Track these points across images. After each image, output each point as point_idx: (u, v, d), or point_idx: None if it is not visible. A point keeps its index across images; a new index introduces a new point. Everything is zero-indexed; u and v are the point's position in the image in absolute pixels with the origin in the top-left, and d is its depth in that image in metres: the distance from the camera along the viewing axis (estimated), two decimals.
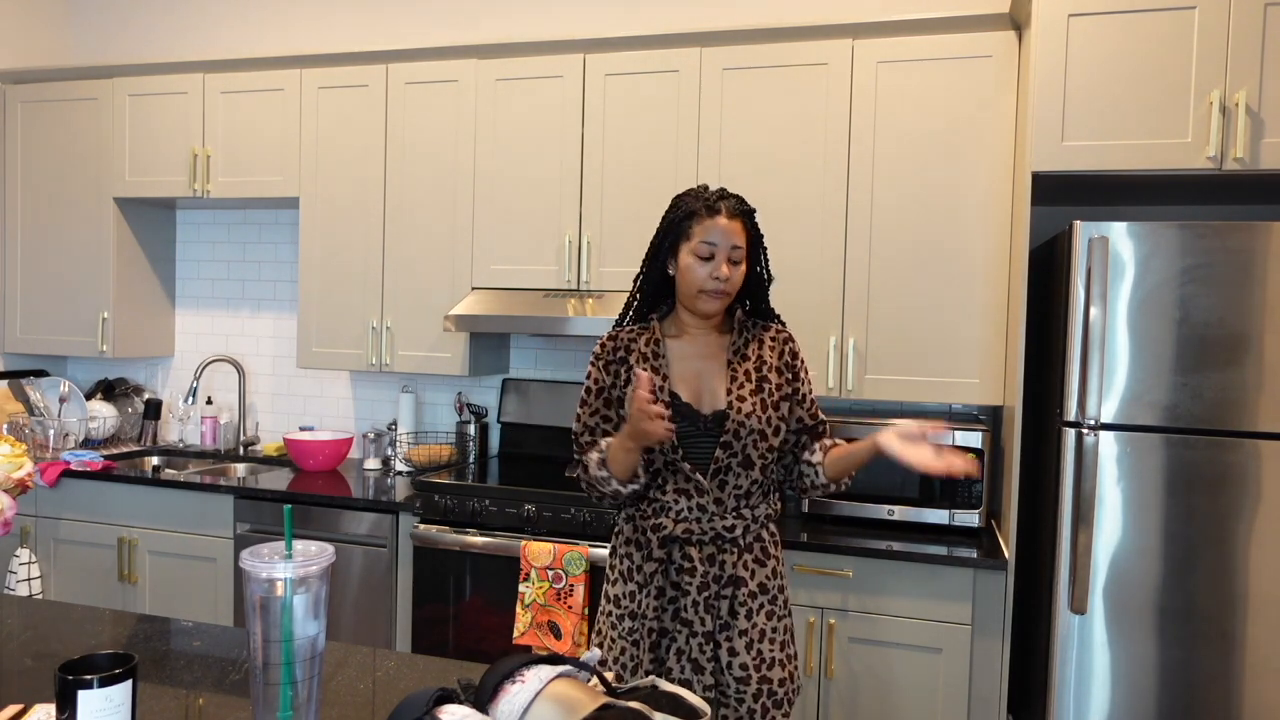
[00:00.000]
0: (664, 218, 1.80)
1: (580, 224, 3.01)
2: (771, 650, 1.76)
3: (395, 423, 3.50)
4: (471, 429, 3.37)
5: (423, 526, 2.84)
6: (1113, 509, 2.26)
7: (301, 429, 3.61)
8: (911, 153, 2.71)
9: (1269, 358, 2.16)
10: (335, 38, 3.70)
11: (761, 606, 1.76)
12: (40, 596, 3.28)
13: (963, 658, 2.44)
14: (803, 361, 1.87)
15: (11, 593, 3.15)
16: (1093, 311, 2.22)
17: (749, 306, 1.88)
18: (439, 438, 3.53)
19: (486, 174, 3.11)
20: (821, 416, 1.89)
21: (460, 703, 1.08)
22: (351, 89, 3.26)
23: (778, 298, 2.82)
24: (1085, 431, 2.25)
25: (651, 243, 1.82)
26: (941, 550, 2.45)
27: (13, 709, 1.21)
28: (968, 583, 2.43)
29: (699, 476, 1.74)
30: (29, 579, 3.23)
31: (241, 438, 3.72)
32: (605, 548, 2.64)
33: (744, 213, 1.76)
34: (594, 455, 1.78)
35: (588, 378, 1.85)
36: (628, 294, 2.07)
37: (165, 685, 1.37)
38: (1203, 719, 2.23)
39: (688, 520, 1.75)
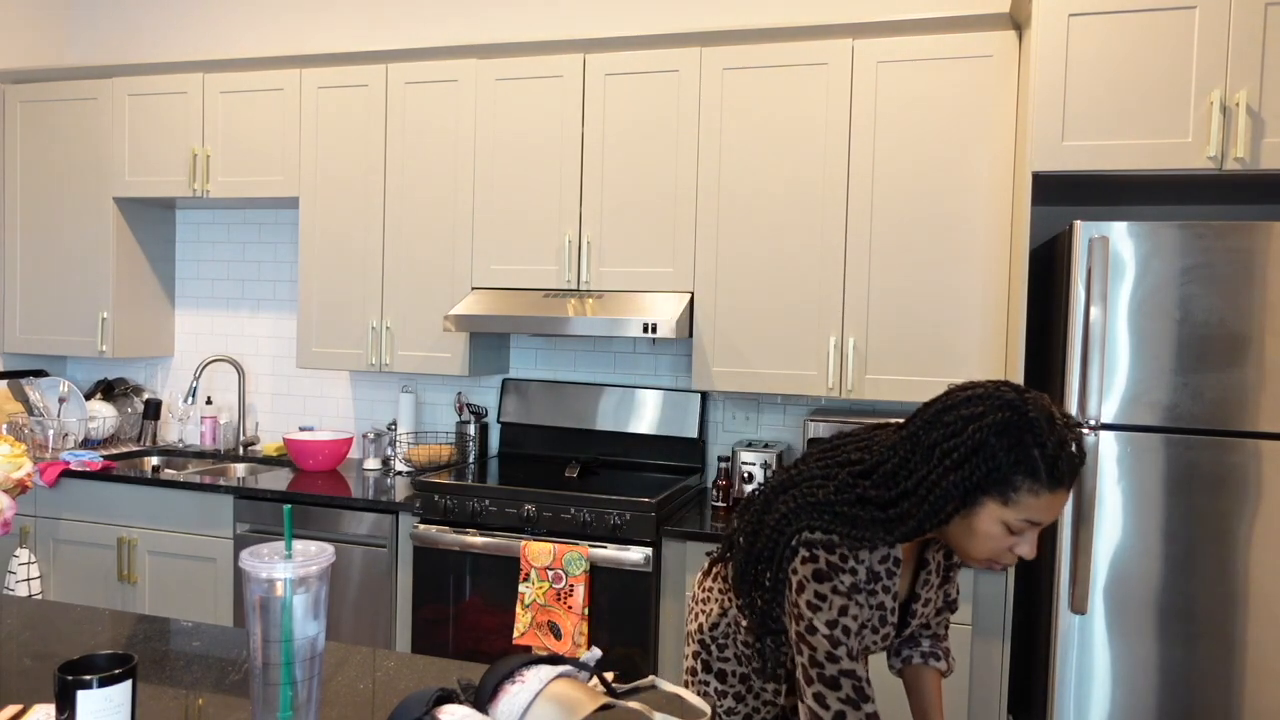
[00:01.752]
0: (982, 443, 1.28)
1: (580, 224, 3.01)
2: None
3: (395, 423, 3.50)
4: (471, 429, 3.37)
5: (423, 526, 2.84)
6: (1113, 509, 2.26)
7: (301, 429, 3.61)
8: (911, 152, 2.71)
9: (1269, 358, 2.16)
10: (335, 37, 3.70)
11: None
12: (40, 596, 3.28)
13: (963, 658, 2.44)
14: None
15: (11, 593, 3.15)
16: (1093, 311, 2.22)
17: None
18: (439, 438, 3.53)
19: (486, 174, 3.11)
20: (950, 619, 1.69)
21: (460, 703, 1.07)
22: (351, 89, 3.26)
23: (778, 298, 2.82)
24: (1085, 431, 2.25)
25: (945, 464, 1.30)
26: None
27: (12, 709, 1.21)
28: (967, 583, 2.43)
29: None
30: (29, 579, 3.23)
31: (241, 438, 3.72)
32: (604, 548, 2.64)
33: None
34: None
35: (841, 613, 1.35)
36: (841, 492, 1.46)
37: (165, 685, 1.36)
38: (1202, 719, 2.23)
39: None
